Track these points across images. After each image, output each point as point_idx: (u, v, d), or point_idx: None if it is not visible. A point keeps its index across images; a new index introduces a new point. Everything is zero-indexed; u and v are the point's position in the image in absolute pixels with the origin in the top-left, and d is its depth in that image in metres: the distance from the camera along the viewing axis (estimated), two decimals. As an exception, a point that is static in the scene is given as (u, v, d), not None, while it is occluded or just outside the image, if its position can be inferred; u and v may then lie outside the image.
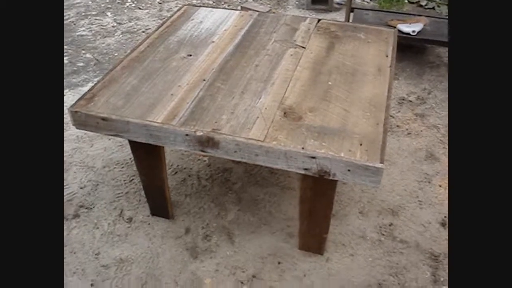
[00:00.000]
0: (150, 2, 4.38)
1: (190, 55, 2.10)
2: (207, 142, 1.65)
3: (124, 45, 3.68)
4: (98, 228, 2.21)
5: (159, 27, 2.34)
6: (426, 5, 4.27)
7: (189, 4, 2.61)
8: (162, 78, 1.95)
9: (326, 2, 4.21)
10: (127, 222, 2.23)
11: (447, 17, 3.76)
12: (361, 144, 1.59)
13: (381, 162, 1.52)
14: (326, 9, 4.24)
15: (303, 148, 1.57)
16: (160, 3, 4.35)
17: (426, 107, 3.02)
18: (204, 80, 1.93)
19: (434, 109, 3.00)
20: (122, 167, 2.55)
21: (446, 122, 2.89)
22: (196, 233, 2.18)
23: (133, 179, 2.47)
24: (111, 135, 1.79)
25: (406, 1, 4.33)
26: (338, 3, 4.35)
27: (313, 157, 1.55)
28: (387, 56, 2.11)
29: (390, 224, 2.22)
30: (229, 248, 2.11)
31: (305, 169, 1.59)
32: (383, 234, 2.18)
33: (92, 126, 1.79)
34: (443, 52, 3.61)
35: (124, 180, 2.46)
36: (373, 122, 1.70)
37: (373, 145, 1.59)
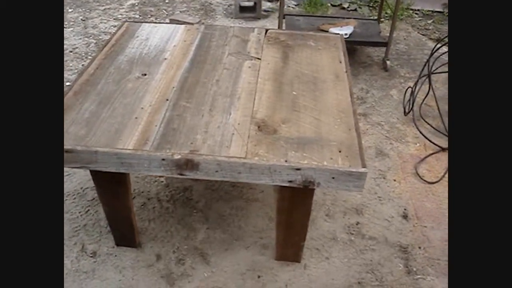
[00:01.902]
0: (73, 20, 4.14)
1: (145, 74, 2.02)
2: (186, 165, 1.59)
3: (52, 66, 3.44)
4: (59, 267, 2.04)
5: (103, 47, 2.22)
6: (348, 7, 4.47)
7: (130, 21, 2.51)
8: (121, 101, 1.85)
9: (254, 10, 4.25)
10: (91, 256, 2.09)
11: (372, 18, 3.96)
12: (340, 151, 1.62)
13: (363, 167, 1.56)
14: (254, 17, 4.28)
15: (286, 161, 1.56)
16: (84, 20, 4.12)
17: (367, 106, 3.15)
18: (167, 99, 1.86)
19: (374, 108, 3.15)
20: (74, 199, 2.38)
21: (388, 118, 3.04)
22: (168, 258, 2.09)
23: (88, 210, 2.31)
24: (75, 167, 1.67)
25: (329, 4, 4.50)
26: (265, 11, 4.41)
27: (298, 169, 1.55)
28: (340, 61, 2.17)
29: (357, 223, 2.29)
30: (206, 269, 2.05)
31: (290, 181, 1.59)
32: (352, 234, 2.24)
33: (53, 159, 1.65)
34: (372, 51, 3.80)
35: (80, 212, 2.30)
36: (345, 128, 1.74)
37: (351, 151, 1.63)
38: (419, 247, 2.17)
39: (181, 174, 1.62)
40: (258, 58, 2.16)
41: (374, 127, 2.95)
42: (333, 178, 1.56)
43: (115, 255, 2.09)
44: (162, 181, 2.49)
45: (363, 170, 1.55)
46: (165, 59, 2.14)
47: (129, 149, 1.60)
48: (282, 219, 1.90)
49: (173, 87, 1.94)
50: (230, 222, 2.27)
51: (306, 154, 1.60)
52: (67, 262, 2.06)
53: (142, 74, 2.02)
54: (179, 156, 1.58)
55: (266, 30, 2.43)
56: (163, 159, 1.58)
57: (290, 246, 2.01)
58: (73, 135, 1.66)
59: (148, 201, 2.37)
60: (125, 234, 2.08)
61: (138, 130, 1.69)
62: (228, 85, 1.96)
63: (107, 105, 1.82)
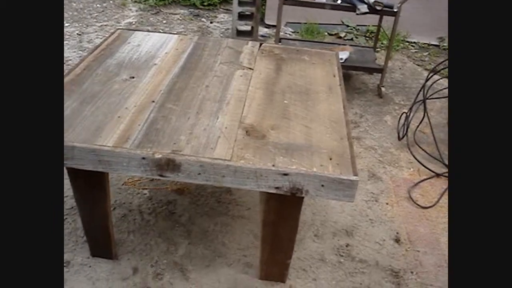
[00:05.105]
0: (69, 34, 4.12)
1: (133, 77, 1.95)
2: (167, 165, 1.50)
3: (42, 76, 3.38)
4: (28, 276, 1.91)
5: (93, 50, 2.16)
6: (345, 36, 4.49)
7: (123, 28, 2.47)
8: (105, 101, 1.77)
9: (251, 35, 4.25)
10: (64, 266, 1.96)
11: (367, 46, 3.96)
12: (330, 159, 1.54)
13: (354, 175, 1.48)
14: (251, 41, 4.27)
15: (273, 166, 1.48)
16: (80, 35, 4.10)
17: (360, 130, 3.09)
18: (153, 101, 1.79)
19: (368, 132, 3.09)
20: (52, 206, 2.26)
21: (381, 143, 2.97)
22: (145, 272, 1.96)
23: (66, 218, 2.20)
24: (51, 164, 1.57)
25: (326, 33, 4.52)
26: (262, 36, 4.42)
27: (285, 174, 1.47)
28: (334, 76, 2.12)
29: (347, 245, 2.18)
30: (184, 285, 1.92)
31: (276, 187, 1.50)
32: (342, 255, 2.13)
33: (28, 155, 1.55)
34: (367, 79, 3.77)
35: (56, 221, 2.18)
36: (337, 137, 1.66)
37: (343, 159, 1.55)
38: (412, 272, 2.06)
39: (162, 176, 1.52)
40: (251, 68, 2.11)
41: (368, 151, 2.88)
42: (322, 185, 1.48)
43: (90, 266, 1.97)
44: (145, 194, 2.39)
45: (354, 178, 1.47)
46: (155, 64, 2.08)
47: (108, 146, 1.51)
48: (267, 233, 1.79)
49: (161, 90, 1.87)
50: (214, 238, 2.16)
51: (295, 160, 1.52)
52: (37, 271, 1.93)
53: (130, 77, 1.96)
54: (160, 156, 1.49)
55: (261, 44, 2.39)
56: (143, 158, 1.50)
57: (275, 264, 1.90)
58: (51, 130, 1.58)
59: (129, 213, 2.26)
60: (101, 244, 1.96)
61: (119, 129, 1.61)
62: (217, 91, 1.90)
63: (90, 103, 1.75)
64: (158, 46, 2.27)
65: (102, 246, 1.97)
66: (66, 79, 1.90)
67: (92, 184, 1.76)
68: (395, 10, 3.21)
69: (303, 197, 1.60)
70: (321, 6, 3.25)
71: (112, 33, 2.38)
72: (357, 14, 3.22)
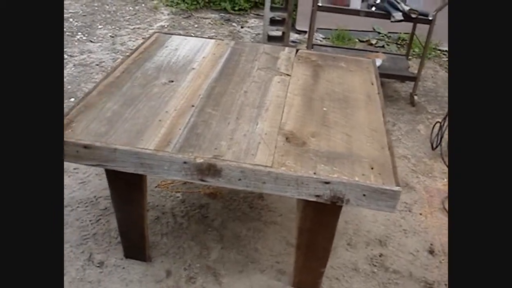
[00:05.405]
0: (102, 36, 4.19)
1: (172, 81, 1.97)
2: (208, 170, 1.51)
3: (77, 78, 3.44)
4: (65, 274, 1.94)
5: (131, 53, 2.19)
6: (376, 43, 4.45)
7: (161, 32, 2.50)
8: (146, 104, 1.79)
9: (282, 40, 4.24)
10: (98, 266, 1.98)
11: (400, 54, 3.92)
12: (372, 168, 1.52)
13: (397, 185, 1.46)
14: (282, 46, 4.26)
15: (315, 173, 1.47)
16: (113, 37, 4.17)
17: (393, 139, 3.05)
18: (193, 106, 1.80)
19: (401, 141, 3.05)
20: (86, 206, 2.30)
21: (414, 152, 2.93)
22: (178, 275, 1.97)
23: (100, 219, 2.22)
24: (93, 165, 1.60)
25: (357, 40, 4.49)
26: (293, 41, 4.41)
27: (327, 182, 1.45)
28: (372, 83, 2.10)
29: (380, 255, 2.15)
30: (217, 289, 1.93)
31: (317, 195, 1.49)
32: (375, 265, 2.10)
33: (71, 155, 1.58)
34: (399, 87, 3.73)
35: (90, 221, 2.21)
36: (377, 146, 1.65)
37: (385, 169, 1.53)
38: (445, 284, 2.02)
39: (202, 180, 1.53)
40: (288, 74, 2.10)
41: (401, 160, 2.85)
42: (364, 195, 1.46)
43: (123, 267, 1.99)
44: (178, 197, 2.40)
45: (397, 188, 1.45)
46: (193, 68, 2.09)
47: (150, 149, 1.53)
48: (303, 240, 1.78)
49: (200, 95, 1.88)
50: (246, 243, 2.15)
51: (336, 168, 1.50)
52: (72, 270, 1.95)
53: (169, 81, 1.97)
54: (201, 160, 1.49)
55: (297, 50, 2.39)
56: (185, 162, 1.50)
57: (309, 272, 1.88)
58: (93, 131, 1.60)
59: (162, 215, 2.27)
60: (135, 245, 1.97)
61: (161, 132, 1.62)
62: (256, 96, 1.90)
63: (131, 106, 1.77)
64: (196, 50, 2.28)
65: (136, 247, 1.98)
66: (105, 82, 1.93)
67: (131, 186, 1.77)
68: (430, 18, 3.17)
69: (341, 206, 1.58)
70: (356, 13, 3.23)
71: (149, 37, 2.41)
72: (391, 21, 3.18)
